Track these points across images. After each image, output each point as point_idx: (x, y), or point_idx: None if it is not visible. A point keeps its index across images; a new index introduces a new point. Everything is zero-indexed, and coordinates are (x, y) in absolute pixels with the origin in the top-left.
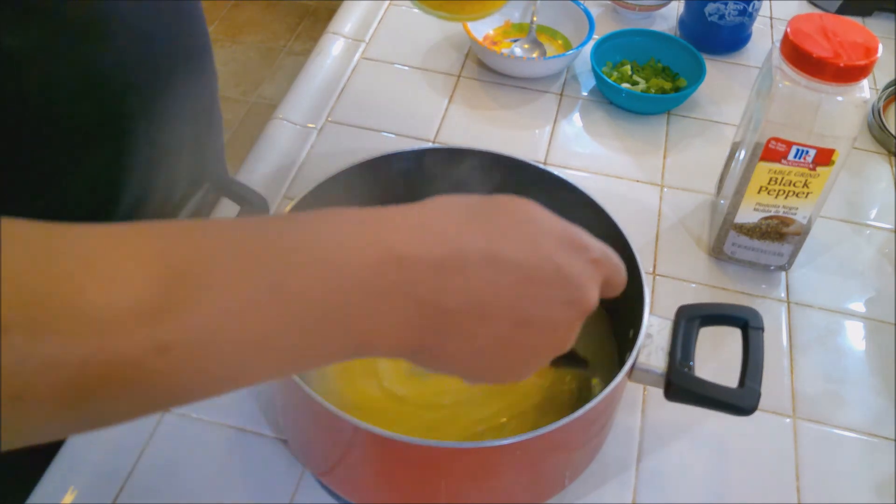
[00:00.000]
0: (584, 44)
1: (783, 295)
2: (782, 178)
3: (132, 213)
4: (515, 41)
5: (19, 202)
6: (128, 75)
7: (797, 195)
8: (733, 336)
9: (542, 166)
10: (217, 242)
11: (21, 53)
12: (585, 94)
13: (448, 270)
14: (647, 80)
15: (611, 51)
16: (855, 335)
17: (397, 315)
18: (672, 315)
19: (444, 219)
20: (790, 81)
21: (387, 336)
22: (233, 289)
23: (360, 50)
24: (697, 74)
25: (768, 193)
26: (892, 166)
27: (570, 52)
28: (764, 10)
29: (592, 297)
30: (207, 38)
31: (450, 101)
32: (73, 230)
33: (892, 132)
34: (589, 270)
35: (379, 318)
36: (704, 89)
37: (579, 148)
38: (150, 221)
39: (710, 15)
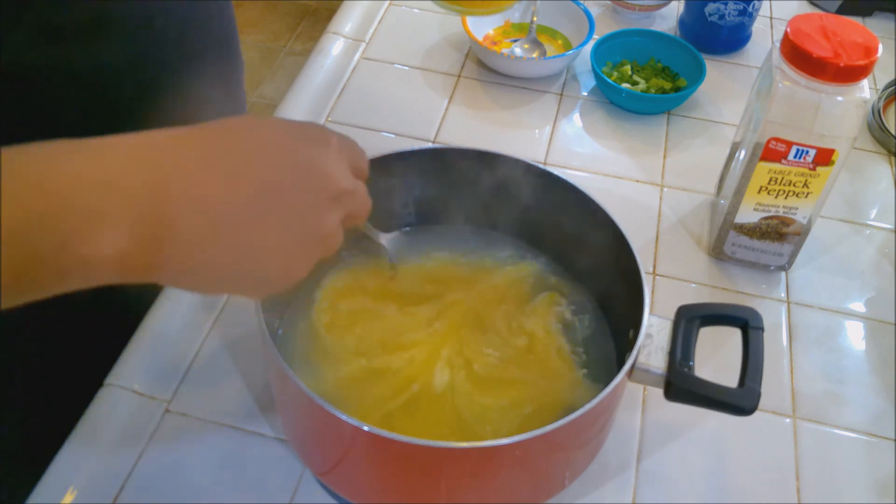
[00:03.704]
0: (584, 44)
1: (783, 295)
2: (782, 178)
3: None
4: (515, 41)
5: None
6: (165, 57)
7: (797, 195)
8: (733, 336)
9: (542, 166)
10: None
11: (70, 32)
12: (585, 94)
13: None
14: (647, 80)
15: (611, 51)
16: (855, 335)
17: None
18: (672, 315)
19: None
20: (790, 81)
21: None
22: None
23: (360, 50)
24: (697, 74)
25: (768, 193)
26: (892, 166)
27: (570, 52)
28: (764, 10)
29: (339, 175)
30: (234, 26)
31: (450, 101)
32: None
33: (892, 132)
34: (331, 155)
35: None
36: (704, 89)
37: (579, 148)
38: None
39: (710, 15)
